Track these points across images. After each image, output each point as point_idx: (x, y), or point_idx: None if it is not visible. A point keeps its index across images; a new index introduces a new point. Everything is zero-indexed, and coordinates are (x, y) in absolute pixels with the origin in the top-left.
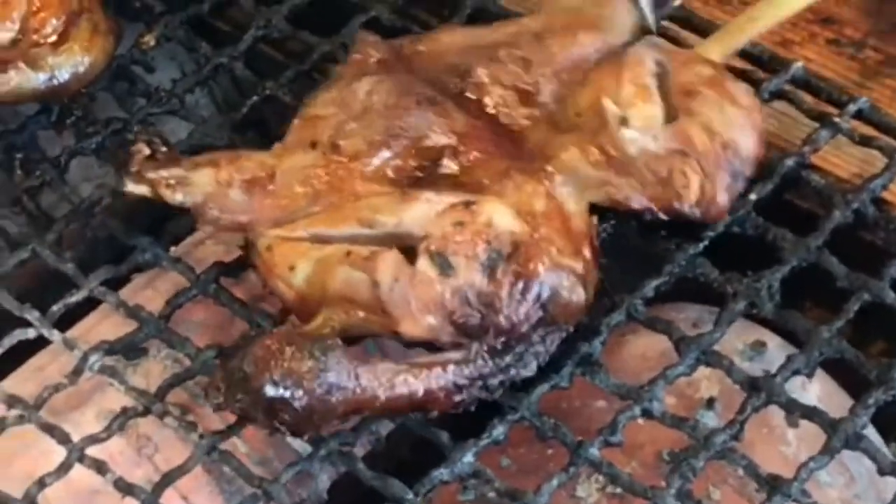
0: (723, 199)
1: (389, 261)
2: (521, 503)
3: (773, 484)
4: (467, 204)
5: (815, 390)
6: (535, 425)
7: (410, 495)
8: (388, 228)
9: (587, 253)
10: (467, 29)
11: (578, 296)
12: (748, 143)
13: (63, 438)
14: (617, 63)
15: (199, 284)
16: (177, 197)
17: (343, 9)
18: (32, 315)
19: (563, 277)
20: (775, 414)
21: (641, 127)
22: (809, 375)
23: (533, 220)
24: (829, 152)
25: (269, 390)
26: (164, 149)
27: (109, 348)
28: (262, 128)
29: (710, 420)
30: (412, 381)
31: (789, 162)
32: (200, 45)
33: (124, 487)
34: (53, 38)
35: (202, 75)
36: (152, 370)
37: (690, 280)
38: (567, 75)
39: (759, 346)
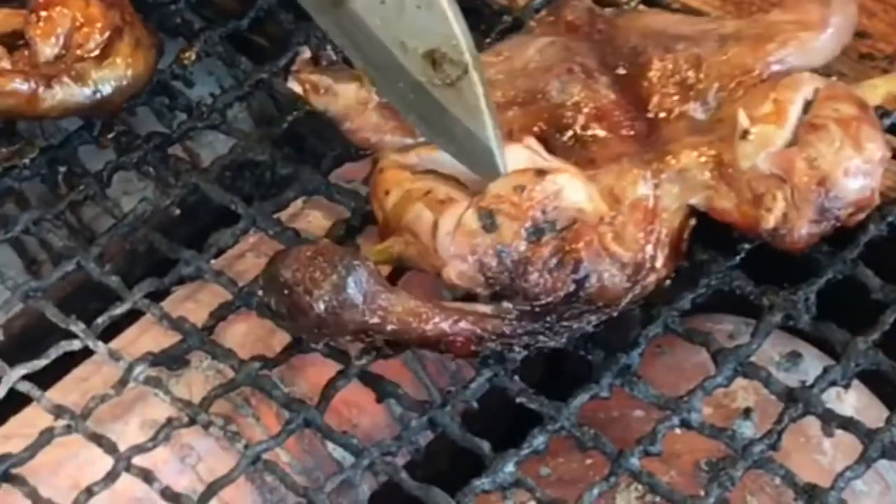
0: (802, 231)
1: (455, 212)
2: None
3: (810, 493)
4: (540, 172)
5: (852, 401)
6: (574, 435)
7: None
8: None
9: (660, 249)
10: (669, 15)
11: (616, 283)
12: (849, 187)
13: (110, 448)
14: (776, 81)
15: (241, 297)
16: (319, 102)
17: None
18: (78, 327)
19: (606, 263)
20: (811, 424)
21: (758, 144)
22: (846, 386)
23: (616, 205)
24: None
25: (291, 293)
26: (332, 55)
27: (154, 359)
28: (298, 142)
29: (746, 430)
30: (430, 319)
31: None
32: (240, 61)
33: (171, 496)
34: (97, 52)
35: (243, 90)
36: (194, 381)
37: (725, 292)
38: (733, 83)
39: (794, 357)
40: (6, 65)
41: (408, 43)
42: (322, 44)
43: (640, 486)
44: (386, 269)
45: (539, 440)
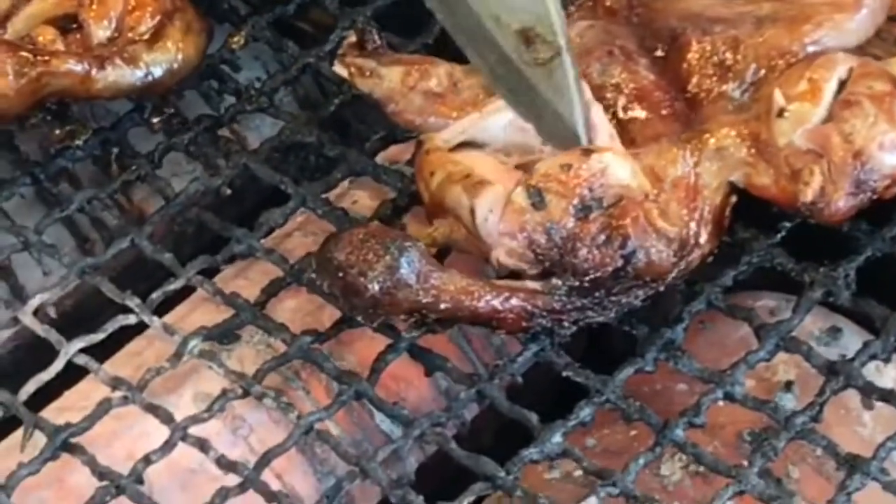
0: (840, 204)
1: (490, 195)
2: (610, 481)
3: (852, 463)
4: (586, 151)
5: (892, 374)
6: (620, 407)
7: (502, 473)
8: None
9: (703, 226)
10: None
11: (663, 259)
12: (884, 159)
13: (166, 418)
14: (811, 61)
15: (292, 274)
16: (365, 85)
17: (425, 9)
18: (133, 302)
19: (652, 239)
20: (851, 397)
21: (793, 122)
22: (886, 360)
23: (658, 184)
24: None
25: (345, 275)
26: (376, 39)
27: (207, 334)
28: (343, 125)
29: (788, 402)
30: (482, 296)
31: None
32: (287, 45)
33: (226, 465)
34: (148, 35)
35: (290, 74)
36: (246, 355)
37: (767, 269)
38: (769, 63)
39: (834, 332)
40: (60, 47)
41: (502, 18)
42: (368, 29)
43: (683, 456)
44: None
45: (586, 412)
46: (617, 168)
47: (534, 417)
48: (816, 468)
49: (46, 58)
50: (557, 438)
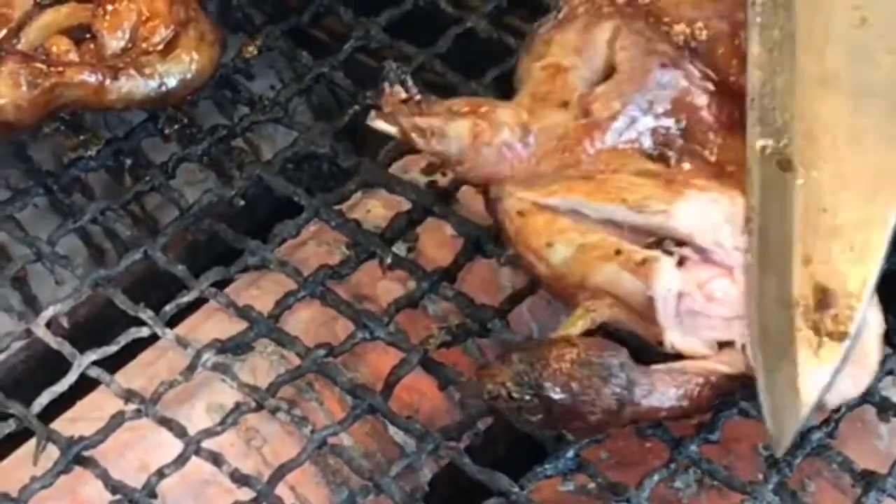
0: None
1: (666, 272)
2: (623, 497)
3: (868, 479)
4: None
5: None
6: None
7: (516, 489)
8: (657, 220)
9: None
10: None
11: None
12: None
13: (180, 431)
14: None
15: (307, 286)
16: (430, 145)
17: (439, 19)
18: (146, 314)
19: None
20: (868, 410)
21: None
22: None
23: None
24: None
25: (565, 408)
26: (415, 92)
27: (221, 346)
28: (355, 136)
29: None
30: (699, 389)
31: None
32: (301, 55)
33: (240, 478)
34: (162, 46)
35: (304, 84)
36: (259, 367)
37: None
38: None
39: None
40: (74, 57)
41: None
42: (403, 78)
43: (698, 471)
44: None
45: None
46: None
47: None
48: (832, 482)
49: (60, 68)
50: (571, 453)
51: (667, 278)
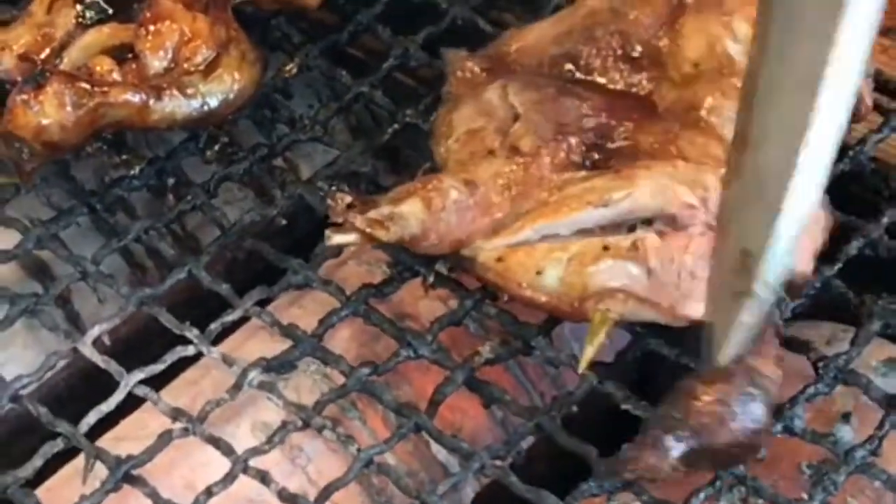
0: None
1: (653, 244)
2: None
3: None
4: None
5: None
6: None
7: None
8: (625, 205)
9: None
10: (542, 23)
11: None
12: None
13: (227, 450)
14: (713, 8)
15: (349, 304)
16: (392, 234)
17: (476, 37)
18: (192, 333)
19: None
20: None
21: None
22: None
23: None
24: None
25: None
26: (346, 196)
27: (266, 365)
28: (394, 154)
29: (846, 434)
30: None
31: None
32: (340, 74)
33: (288, 497)
34: (203, 66)
35: (343, 102)
36: (302, 384)
37: (825, 299)
38: (657, 35)
39: (893, 364)
40: (117, 77)
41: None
42: (332, 192)
43: (743, 488)
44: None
45: None
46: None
47: (593, 451)
48: (875, 501)
49: (104, 89)
50: None
51: (661, 249)
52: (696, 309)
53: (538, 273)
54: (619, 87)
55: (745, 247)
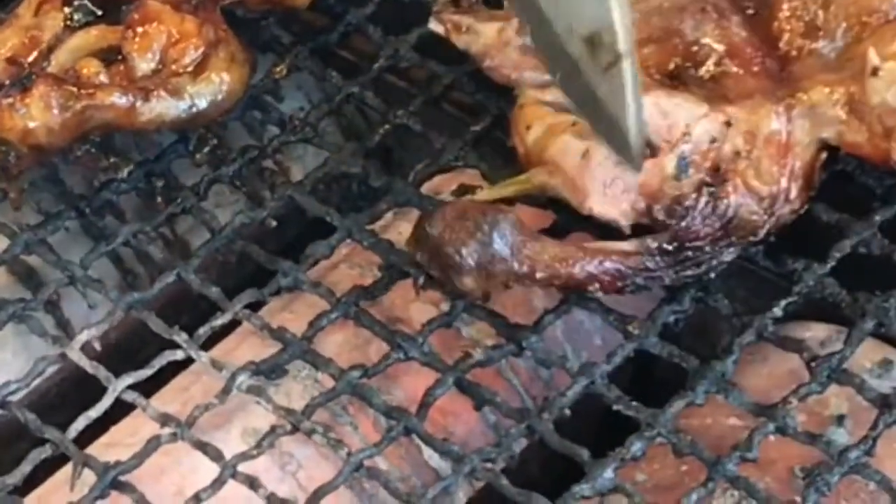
0: None
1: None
2: None
3: None
4: (728, 123)
5: None
6: (671, 442)
7: None
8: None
9: (794, 182)
10: None
11: (756, 217)
12: None
13: (216, 455)
14: None
15: (340, 307)
16: (461, 41)
17: None
18: (181, 337)
19: (748, 201)
20: None
21: (888, 81)
22: None
23: (752, 140)
24: None
25: (441, 252)
26: None
27: (256, 369)
28: (385, 155)
29: (840, 436)
30: (577, 262)
31: None
32: (331, 75)
33: (276, 502)
34: (192, 67)
35: (334, 104)
36: (293, 389)
37: (817, 299)
38: (860, 22)
39: (886, 364)
40: (104, 79)
41: (573, 26)
42: None
43: (735, 492)
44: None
45: (637, 446)
46: (733, 136)
47: (585, 453)
48: (869, 503)
49: (91, 91)
50: (609, 474)
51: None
52: (602, 209)
53: (527, 127)
54: (778, 37)
55: (588, 31)
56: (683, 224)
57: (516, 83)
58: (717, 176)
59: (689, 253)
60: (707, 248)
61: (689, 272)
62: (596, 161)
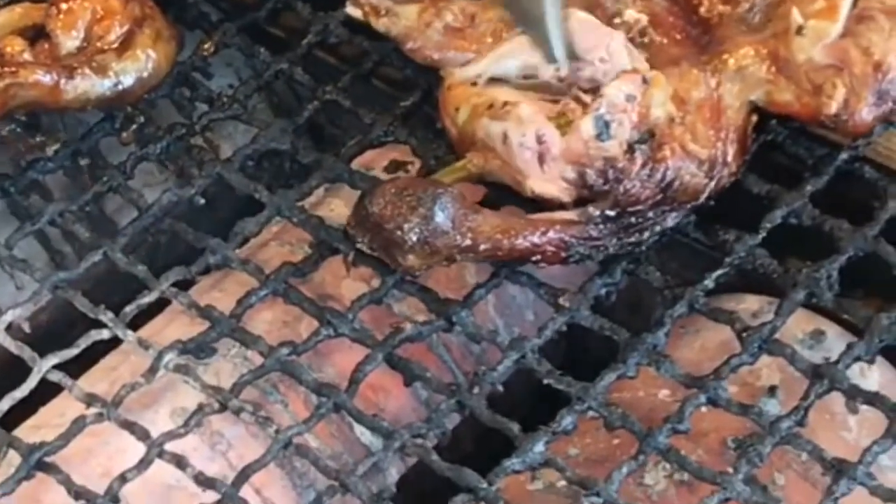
0: (864, 115)
1: (521, 115)
2: (593, 491)
3: (839, 468)
4: (645, 80)
5: (876, 377)
6: (602, 415)
7: (484, 484)
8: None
9: (730, 145)
10: None
11: (697, 181)
12: None
13: (142, 435)
14: None
15: (268, 284)
16: (381, 25)
17: None
18: (107, 316)
19: (688, 164)
20: (836, 401)
21: (812, 38)
22: (870, 362)
23: (683, 107)
24: (882, 145)
25: (382, 229)
26: None
27: (183, 347)
28: (316, 132)
29: (772, 407)
30: (519, 233)
31: (843, 155)
32: (259, 52)
33: (204, 481)
34: (117, 44)
35: (262, 81)
36: (222, 368)
37: (749, 270)
38: None
39: (818, 335)
40: (28, 57)
41: None
42: None
43: (667, 465)
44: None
45: (568, 420)
46: (658, 98)
47: (515, 427)
48: (802, 474)
49: (14, 69)
50: (539, 448)
51: (523, 121)
52: (543, 188)
53: (455, 109)
54: (700, 4)
55: None
56: (622, 188)
57: (440, 63)
58: (651, 139)
59: (632, 219)
60: (650, 214)
61: (632, 238)
62: (516, 141)
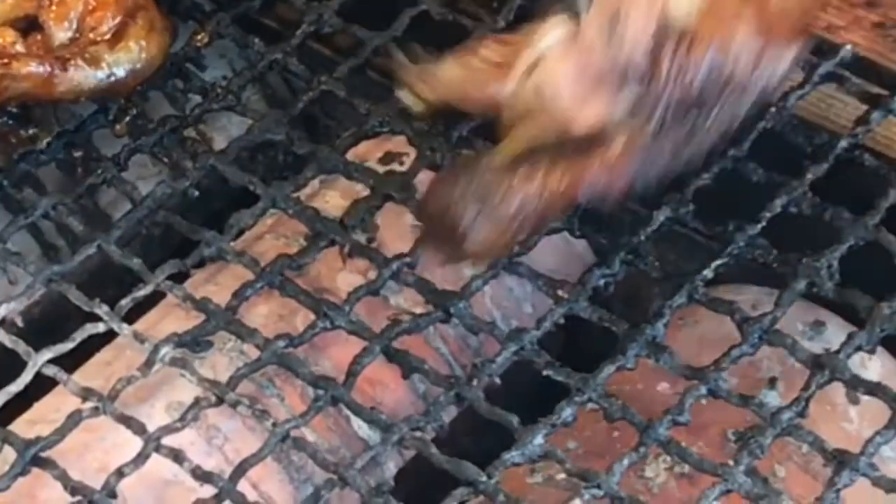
0: None
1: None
2: (594, 483)
3: (840, 459)
4: None
5: (877, 367)
6: (602, 407)
7: (484, 477)
8: None
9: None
10: None
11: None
12: None
13: (139, 429)
14: None
15: (264, 277)
16: (433, 94)
17: (393, 2)
18: (102, 310)
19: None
20: (837, 392)
21: None
22: (871, 352)
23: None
24: (881, 133)
25: (454, 224)
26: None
27: (179, 341)
28: (311, 123)
29: (772, 399)
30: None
31: (843, 143)
32: (253, 42)
33: (201, 476)
34: (110, 35)
35: (257, 71)
36: (218, 362)
37: (748, 261)
38: None
39: (818, 326)
40: (20, 49)
41: None
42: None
43: (668, 458)
44: None
45: (567, 412)
46: None
47: (514, 419)
48: (803, 466)
49: (6, 60)
50: (539, 440)
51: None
52: (581, 116)
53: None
54: None
55: None
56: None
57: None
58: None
59: (688, 114)
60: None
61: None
62: (550, 85)
